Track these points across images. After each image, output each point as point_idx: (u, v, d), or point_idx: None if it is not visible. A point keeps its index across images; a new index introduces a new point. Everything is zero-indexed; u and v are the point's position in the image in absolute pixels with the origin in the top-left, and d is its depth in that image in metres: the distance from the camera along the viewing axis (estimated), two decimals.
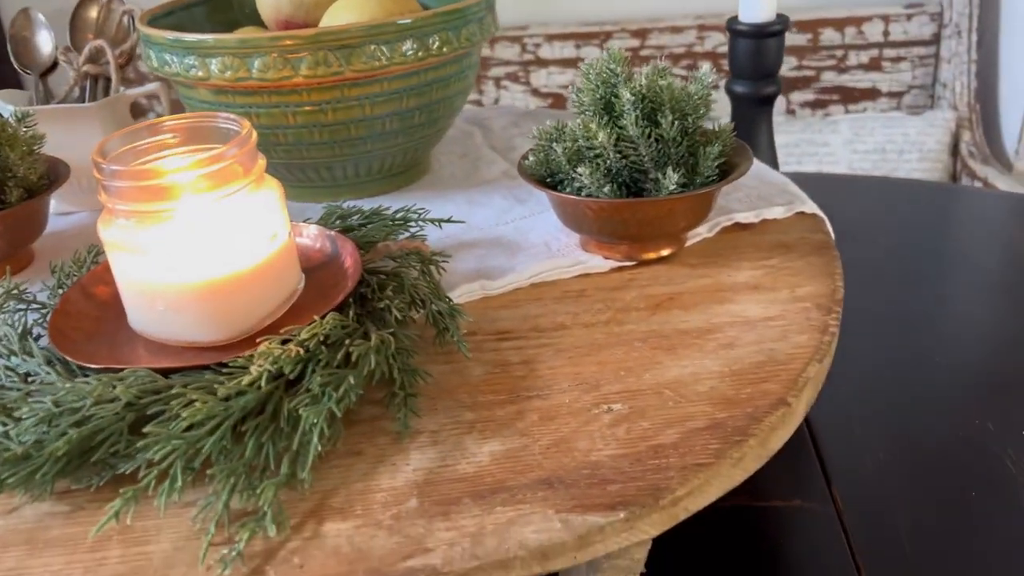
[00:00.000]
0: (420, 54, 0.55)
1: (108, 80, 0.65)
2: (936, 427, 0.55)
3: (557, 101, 1.62)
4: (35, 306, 0.47)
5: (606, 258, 0.52)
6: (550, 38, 1.58)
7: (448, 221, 0.54)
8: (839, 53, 1.55)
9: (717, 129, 0.51)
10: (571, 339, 0.45)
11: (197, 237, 0.40)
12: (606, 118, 0.49)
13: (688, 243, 0.54)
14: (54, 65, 0.67)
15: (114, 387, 0.36)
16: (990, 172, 1.39)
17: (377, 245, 0.50)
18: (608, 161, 0.48)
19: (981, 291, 0.72)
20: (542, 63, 1.60)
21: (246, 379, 0.36)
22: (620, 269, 0.52)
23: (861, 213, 0.83)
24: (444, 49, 0.56)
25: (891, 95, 1.57)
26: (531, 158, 0.52)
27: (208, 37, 0.53)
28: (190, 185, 0.39)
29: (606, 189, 0.48)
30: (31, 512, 0.35)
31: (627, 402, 0.40)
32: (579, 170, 0.48)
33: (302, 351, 0.37)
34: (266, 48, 0.52)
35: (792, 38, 1.56)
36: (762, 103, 0.67)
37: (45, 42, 0.66)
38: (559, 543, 0.33)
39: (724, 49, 1.58)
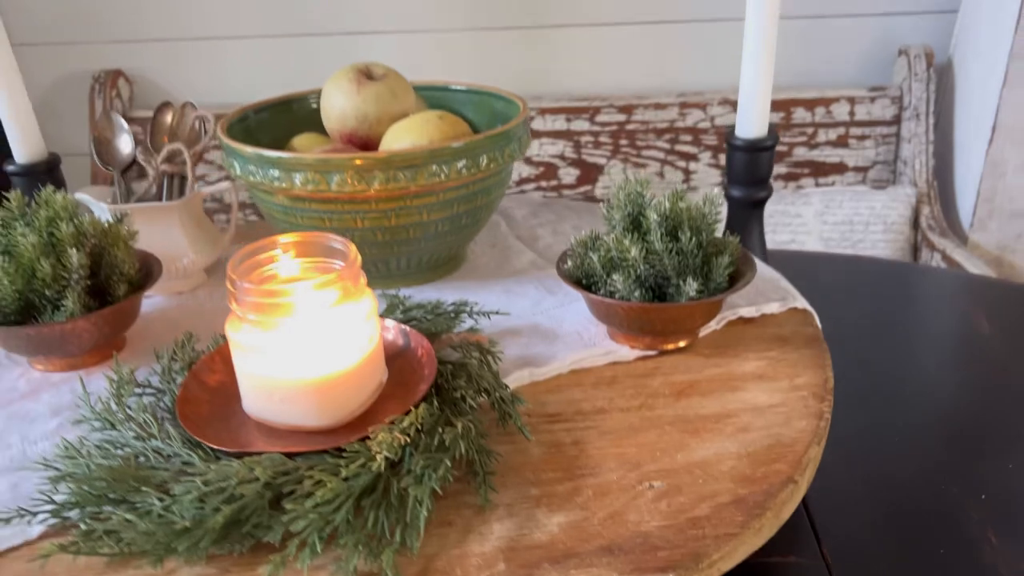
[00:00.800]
0: (472, 170, 0.64)
1: (183, 178, 0.73)
2: (909, 490, 0.64)
3: (548, 170, 1.72)
4: (150, 390, 0.54)
5: (632, 348, 0.61)
6: (543, 111, 1.69)
7: (496, 313, 0.63)
8: (809, 130, 1.68)
9: (726, 239, 0.61)
10: (611, 422, 0.54)
11: (311, 341, 0.48)
12: (636, 234, 0.58)
13: (700, 334, 0.63)
14: (132, 163, 0.75)
15: (253, 469, 0.44)
16: (948, 244, 1.52)
17: (441, 336, 0.58)
18: (638, 270, 0.57)
19: (942, 363, 0.83)
20: (535, 134, 1.70)
21: (371, 464, 0.44)
22: (644, 358, 0.61)
23: (830, 290, 0.93)
24: (491, 165, 0.66)
25: (857, 170, 1.70)
26: (569, 263, 0.61)
27: (293, 156, 0.62)
28: (308, 299, 0.48)
29: (636, 293, 0.57)
30: (187, 573, 0.43)
31: (665, 480, 0.49)
32: (614, 277, 0.57)
33: (407, 438, 0.46)
34: (345, 167, 0.61)
35: None
36: (755, 205, 0.77)
37: (125, 143, 0.75)
38: None
39: (704, 124, 1.71)
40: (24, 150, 0.75)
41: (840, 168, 1.69)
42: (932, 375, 0.81)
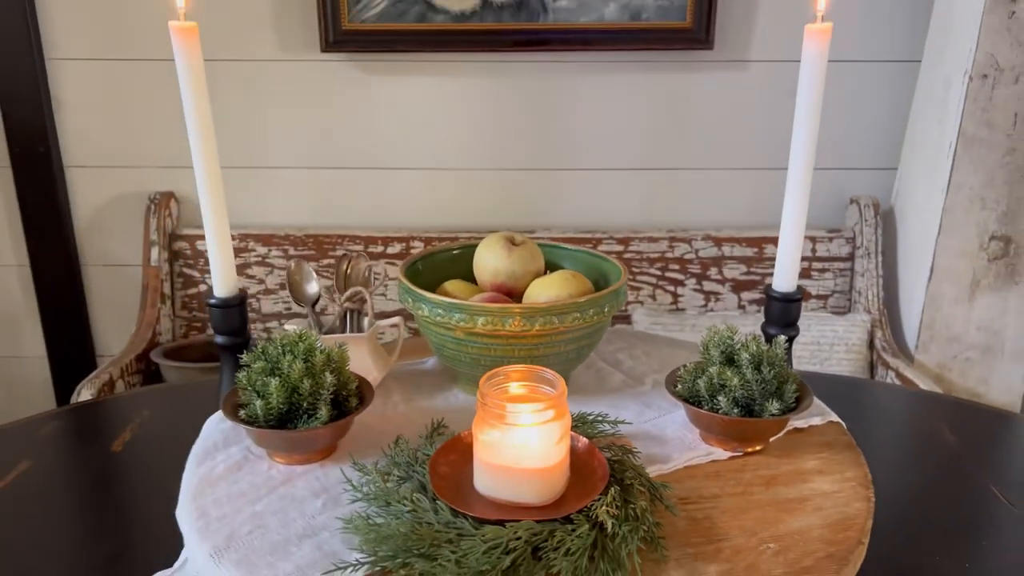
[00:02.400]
0: (596, 315, 0.87)
1: (360, 313, 0.94)
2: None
3: None
4: (394, 477, 0.74)
5: (724, 449, 0.83)
6: (553, 241, 1.95)
7: (622, 423, 0.85)
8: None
9: (789, 371, 0.85)
10: (726, 503, 0.76)
11: (533, 443, 0.69)
12: (732, 368, 0.82)
13: (770, 440, 0.86)
14: (316, 300, 0.95)
15: (517, 532, 0.64)
16: (899, 364, 1.81)
17: (591, 440, 0.80)
18: (735, 393, 0.81)
19: (900, 467, 1.07)
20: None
21: (585, 531, 0.65)
22: (734, 457, 0.83)
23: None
24: (607, 311, 0.89)
25: (819, 298, 1.99)
26: (679, 386, 0.84)
27: (478, 304, 0.84)
28: (536, 415, 0.69)
29: (735, 411, 0.80)
30: None
31: (776, 542, 0.70)
32: (719, 398, 0.80)
33: (617, 509, 0.66)
34: (517, 314, 0.83)
35: (742, 251, 1.98)
36: (788, 342, 1.02)
37: (312, 285, 0.95)
38: None
39: (689, 255, 1.99)
40: (223, 287, 0.94)
41: (805, 296, 1.99)
42: (895, 474, 1.05)
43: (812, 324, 1.88)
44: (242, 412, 0.78)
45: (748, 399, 0.81)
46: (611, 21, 1.85)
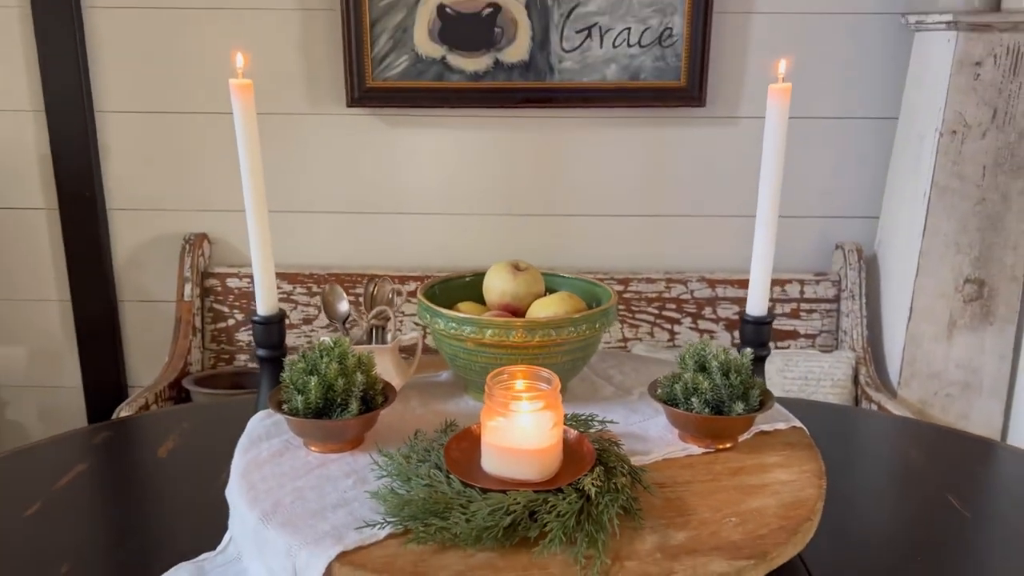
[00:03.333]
0: (588, 330, 1.01)
1: (384, 330, 1.08)
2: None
3: None
4: (413, 459, 0.87)
5: (698, 446, 0.96)
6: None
7: (611, 422, 0.98)
8: (769, 304, 2.10)
9: (755, 379, 0.98)
10: (697, 488, 0.88)
11: (532, 429, 0.82)
12: (704, 374, 0.95)
13: (739, 439, 0.98)
14: (347, 317, 1.09)
15: (516, 498, 0.77)
16: (882, 398, 1.92)
17: (583, 434, 0.93)
18: (707, 396, 0.94)
19: (880, 489, 1.19)
20: None
21: (573, 498, 0.78)
22: (707, 453, 0.96)
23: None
24: (598, 327, 1.02)
25: (807, 336, 2.12)
26: (659, 391, 0.97)
27: (486, 319, 0.98)
28: (533, 405, 0.82)
29: (706, 411, 0.93)
30: (483, 555, 0.75)
31: (738, 516, 0.83)
32: (692, 400, 0.93)
33: (600, 483, 0.79)
34: (520, 327, 0.97)
35: (734, 292, 2.12)
36: (759, 360, 1.15)
37: (343, 304, 1.10)
38: (729, 571, 0.74)
39: (684, 296, 2.13)
40: (265, 307, 1.09)
41: (794, 335, 2.12)
42: (876, 493, 1.17)
43: (800, 360, 2.01)
44: (285, 406, 0.92)
45: (718, 401, 0.94)
46: (612, 81, 2.02)
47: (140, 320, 2.24)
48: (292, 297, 2.12)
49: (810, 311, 2.12)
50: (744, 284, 2.09)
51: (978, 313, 1.94)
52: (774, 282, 2.10)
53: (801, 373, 1.99)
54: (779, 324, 2.12)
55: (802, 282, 2.11)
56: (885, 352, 2.06)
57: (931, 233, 1.90)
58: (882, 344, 2.08)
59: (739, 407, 0.93)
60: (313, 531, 0.78)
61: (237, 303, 2.15)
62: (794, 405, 1.16)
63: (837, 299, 2.11)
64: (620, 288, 2.12)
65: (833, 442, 1.28)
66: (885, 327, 2.07)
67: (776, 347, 2.11)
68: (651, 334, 2.13)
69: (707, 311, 2.12)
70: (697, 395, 0.94)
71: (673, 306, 2.13)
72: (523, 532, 0.76)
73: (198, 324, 2.13)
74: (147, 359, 2.26)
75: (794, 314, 2.12)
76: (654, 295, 2.12)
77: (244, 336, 2.15)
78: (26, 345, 2.28)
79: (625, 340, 2.13)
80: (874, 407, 1.92)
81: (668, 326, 2.13)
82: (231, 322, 2.16)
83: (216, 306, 2.15)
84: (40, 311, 2.24)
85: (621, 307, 2.13)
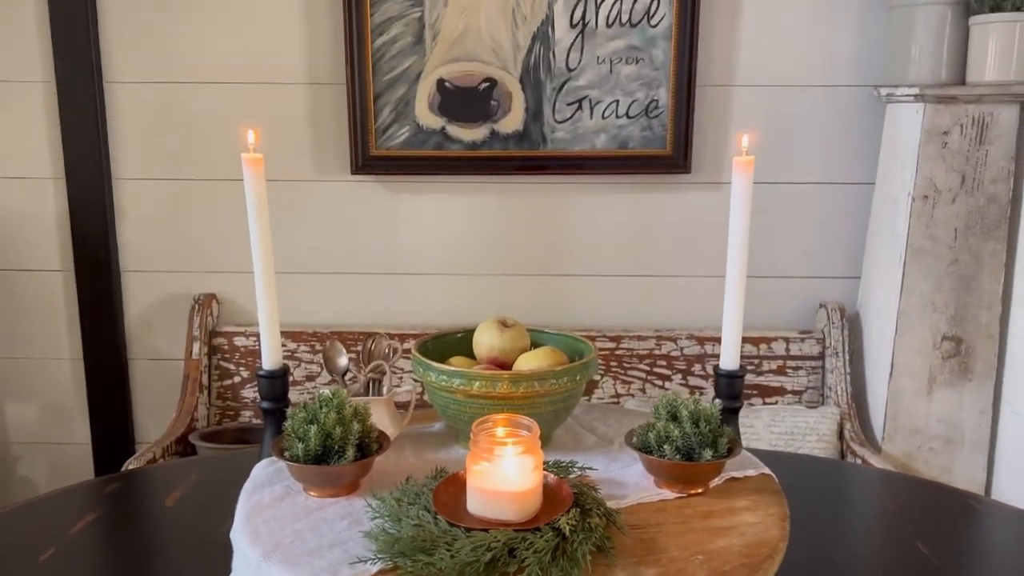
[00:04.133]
0: (569, 382, 1.09)
1: (381, 382, 1.16)
2: None
3: None
4: (404, 502, 0.94)
5: (671, 491, 1.03)
6: None
7: (590, 469, 1.05)
8: (756, 362, 2.18)
9: (723, 428, 1.05)
10: (668, 529, 0.95)
11: (514, 472, 0.89)
12: (675, 423, 1.02)
13: (710, 485, 1.05)
14: (346, 372, 1.17)
15: (497, 537, 0.84)
16: (866, 452, 1.98)
17: (563, 479, 1.00)
18: (677, 443, 1.01)
19: (863, 537, 1.25)
20: None
21: (561, 533, 0.84)
22: (679, 498, 1.02)
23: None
24: (578, 379, 1.10)
25: (794, 392, 2.19)
26: (635, 439, 1.05)
27: (474, 372, 1.06)
28: (515, 450, 0.90)
29: (677, 457, 1.00)
30: None
31: (704, 555, 0.89)
32: (664, 447, 1.01)
33: (575, 522, 0.86)
34: (505, 379, 1.05)
35: None
36: (733, 412, 1.22)
37: (343, 359, 1.18)
38: None
39: (675, 353, 2.20)
40: (270, 362, 1.17)
41: (781, 391, 2.18)
42: (858, 543, 1.23)
43: (787, 416, 2.07)
44: (286, 452, 0.99)
45: (688, 448, 1.01)
46: (602, 149, 2.13)
47: (149, 378, 2.32)
48: (296, 355, 2.20)
49: (796, 368, 2.19)
50: None
51: (957, 369, 2.01)
52: (760, 339, 2.19)
53: (787, 428, 2.06)
54: (766, 380, 2.19)
55: (788, 340, 2.19)
56: (869, 407, 2.12)
57: (908, 292, 1.98)
58: (866, 400, 2.14)
59: (708, 454, 1.00)
60: (310, 567, 0.85)
61: (243, 361, 2.23)
62: (776, 457, 1.22)
63: (822, 356, 2.19)
64: (612, 346, 2.20)
65: (811, 491, 1.34)
66: (868, 383, 2.14)
67: (764, 403, 2.18)
68: (643, 390, 2.20)
69: (696, 368, 2.19)
70: (669, 442, 1.01)
71: (664, 363, 2.20)
72: (503, 568, 0.83)
73: (205, 381, 2.21)
74: (155, 415, 2.34)
75: (781, 371, 2.19)
76: (645, 352, 2.20)
77: (249, 393, 2.23)
78: (39, 402, 2.35)
79: (618, 396, 2.20)
80: (858, 461, 1.97)
81: (659, 382, 2.20)
82: (237, 379, 2.24)
83: (223, 364, 2.23)
84: (53, 369, 2.32)
85: (614, 364, 2.21)
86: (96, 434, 2.34)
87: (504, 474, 0.89)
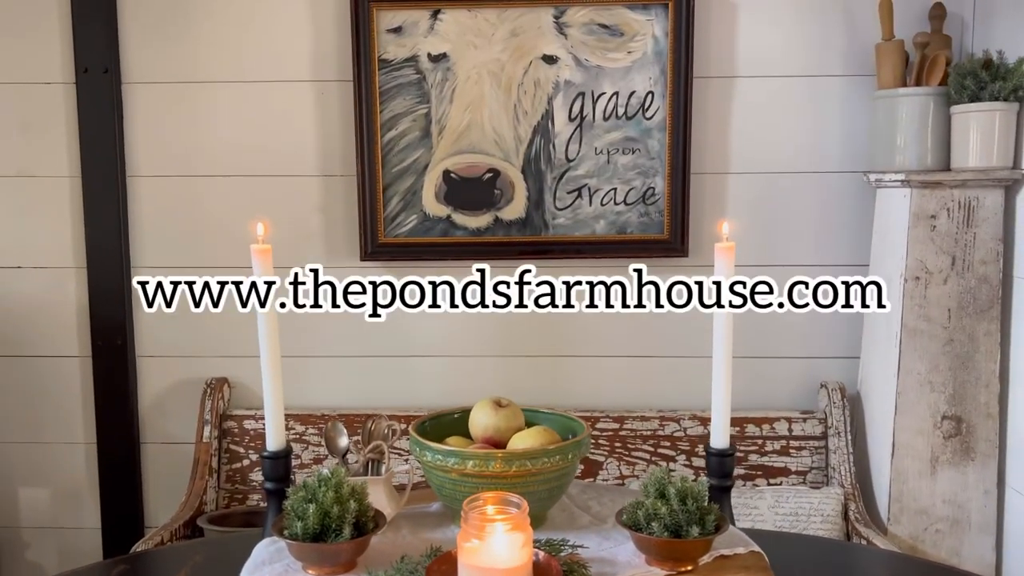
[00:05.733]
0: (562, 460, 1.12)
1: (380, 462, 1.20)
2: None
3: None
4: None
5: (661, 569, 1.05)
6: None
7: (580, 547, 1.07)
8: (759, 442, 2.20)
9: (711, 505, 1.08)
10: None
11: (503, 549, 0.92)
12: (663, 500, 1.05)
13: (700, 562, 1.07)
14: (346, 452, 1.21)
15: None
16: (871, 533, 1.97)
17: (554, 557, 1.02)
18: (665, 520, 1.04)
19: None
20: None
21: None
22: (668, 575, 1.04)
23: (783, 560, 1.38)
24: (571, 457, 1.14)
25: (798, 473, 2.19)
26: (624, 516, 1.08)
27: (468, 451, 1.10)
28: (504, 527, 0.93)
29: (665, 534, 1.03)
30: None
31: None
32: (652, 524, 1.03)
33: None
34: (499, 458, 1.09)
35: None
36: (724, 490, 1.25)
37: (343, 440, 1.22)
38: None
39: (678, 433, 2.22)
40: (274, 442, 1.21)
41: (785, 471, 2.19)
42: None
43: (791, 497, 2.08)
44: (286, 531, 1.03)
45: (676, 525, 1.04)
46: (601, 234, 2.21)
47: (160, 462, 2.35)
48: (304, 438, 2.24)
49: (799, 448, 2.20)
50: (735, 422, 2.19)
51: (959, 449, 2.01)
52: (763, 420, 2.20)
53: (792, 509, 2.06)
54: (770, 461, 2.19)
55: (790, 420, 2.20)
56: (874, 488, 2.12)
57: (905, 372, 2.01)
58: (870, 480, 2.14)
59: (695, 531, 1.03)
60: None
61: (252, 444, 2.27)
62: (780, 538, 1.24)
63: (824, 436, 2.20)
64: (616, 426, 2.22)
65: (814, 573, 1.35)
66: (872, 463, 2.14)
67: (768, 483, 2.18)
68: (647, 471, 2.21)
69: (700, 448, 2.21)
70: (657, 519, 1.04)
71: (668, 443, 2.22)
72: None
73: (215, 465, 2.24)
74: (165, 499, 2.36)
75: (784, 451, 2.20)
76: (648, 433, 2.22)
77: (257, 476, 2.26)
78: (50, 487, 2.39)
79: (623, 477, 2.21)
80: (863, 543, 1.96)
81: (663, 463, 2.21)
82: (246, 462, 2.27)
83: (232, 447, 2.27)
84: (67, 453, 2.37)
85: (618, 444, 2.23)
86: (106, 518, 2.36)
87: (494, 551, 0.92)
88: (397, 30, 2.17)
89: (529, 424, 1.24)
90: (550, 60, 2.16)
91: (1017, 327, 1.97)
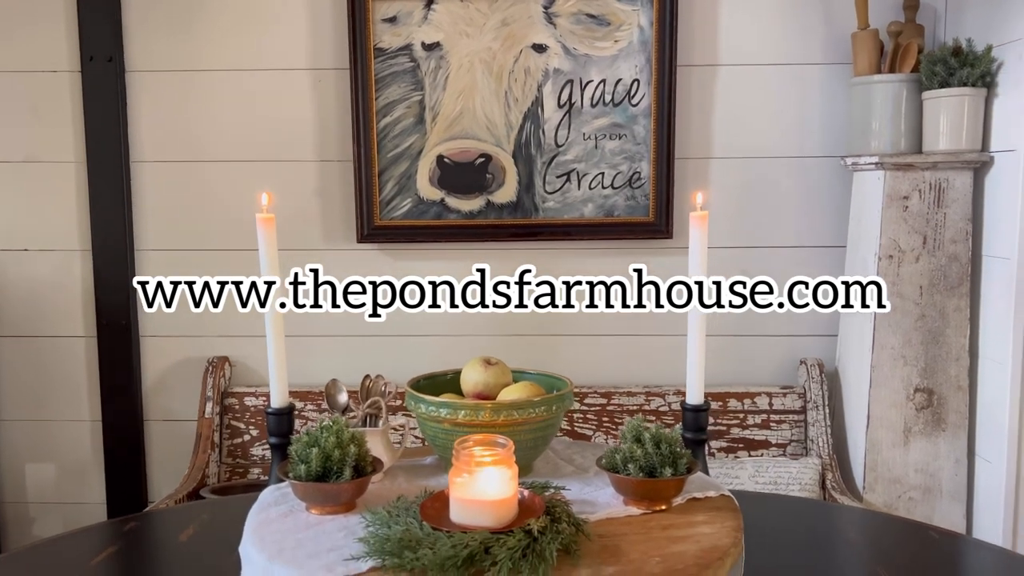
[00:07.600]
0: (547, 411, 1.21)
1: (377, 417, 1.28)
2: None
3: None
4: (394, 514, 1.05)
5: (637, 508, 1.13)
6: None
7: (564, 489, 1.16)
8: (741, 416, 2.28)
9: (684, 450, 1.16)
10: (631, 538, 1.05)
11: (490, 482, 1.01)
12: (639, 444, 1.14)
13: (674, 503, 1.16)
14: (345, 408, 1.30)
15: (475, 537, 0.95)
16: (847, 500, 2.06)
17: (538, 495, 1.11)
18: (640, 463, 1.12)
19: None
20: None
21: (530, 534, 0.96)
22: (644, 514, 1.13)
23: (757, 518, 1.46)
24: (555, 410, 1.22)
25: (778, 445, 2.28)
26: (604, 460, 1.16)
27: (459, 402, 1.18)
28: (493, 462, 1.01)
29: (640, 475, 1.12)
30: None
31: (661, 558, 1.00)
32: (629, 466, 1.12)
33: (545, 524, 0.97)
34: (488, 408, 1.17)
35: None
36: (699, 443, 1.33)
37: (343, 396, 1.30)
38: None
39: (664, 408, 2.31)
40: (278, 400, 1.30)
41: (766, 444, 2.28)
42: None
43: (771, 467, 2.17)
44: (291, 473, 1.11)
45: (651, 467, 1.13)
46: (589, 217, 2.30)
47: (163, 439, 2.44)
48: (303, 413, 2.32)
49: (779, 421, 2.29)
50: (718, 396, 2.28)
51: (931, 420, 2.11)
52: (745, 395, 2.29)
53: (771, 478, 2.14)
54: (752, 434, 2.28)
55: (770, 395, 2.29)
56: (850, 459, 2.21)
57: (879, 347, 2.10)
58: (847, 451, 2.23)
59: (668, 472, 1.11)
60: (310, 567, 0.96)
61: (253, 420, 2.35)
62: (754, 497, 1.32)
63: (804, 410, 2.29)
64: (603, 401, 2.31)
65: (782, 525, 1.44)
66: (848, 435, 2.23)
67: (749, 455, 2.27)
68: None
69: None
70: (633, 462, 1.13)
71: (653, 417, 2.30)
72: (479, 564, 0.93)
73: (216, 440, 2.32)
74: (168, 476, 2.44)
75: (765, 424, 2.29)
76: (635, 407, 2.31)
77: (258, 451, 2.34)
78: (57, 463, 2.46)
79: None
80: None
81: None
82: (247, 438, 2.35)
83: (234, 423, 2.35)
84: (73, 431, 2.44)
85: (605, 419, 2.32)
86: (111, 494, 2.44)
87: (482, 484, 1.01)
88: (392, 20, 2.25)
89: (516, 382, 1.32)
90: (540, 49, 2.25)
91: (985, 303, 2.07)
